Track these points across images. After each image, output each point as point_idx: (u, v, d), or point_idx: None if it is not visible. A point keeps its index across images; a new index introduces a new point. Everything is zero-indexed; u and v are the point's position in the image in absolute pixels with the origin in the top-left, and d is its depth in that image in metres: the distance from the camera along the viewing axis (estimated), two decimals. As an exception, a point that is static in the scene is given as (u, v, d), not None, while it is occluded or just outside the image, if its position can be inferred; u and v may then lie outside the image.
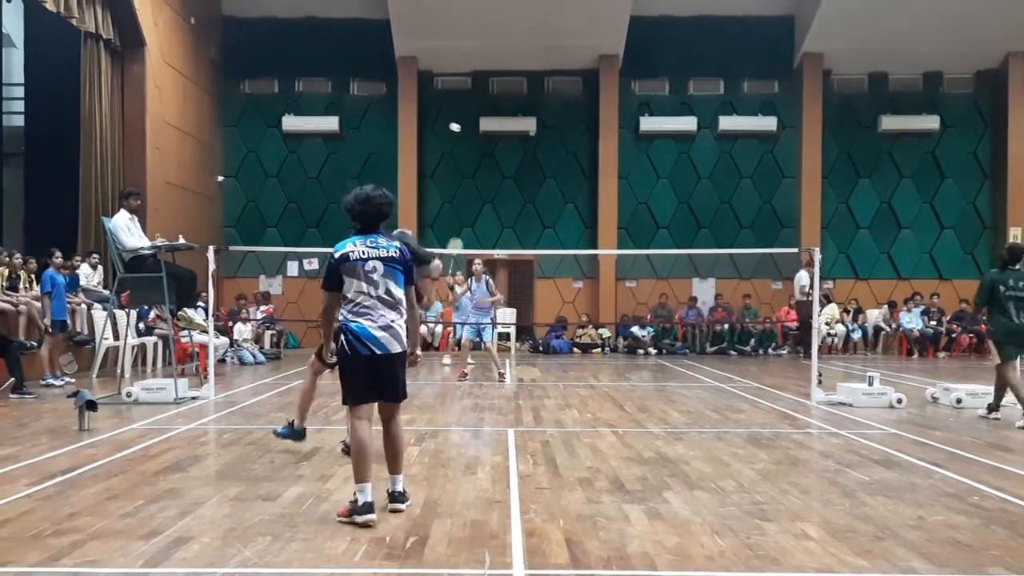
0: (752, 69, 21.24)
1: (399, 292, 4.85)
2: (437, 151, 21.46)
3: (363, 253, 4.79)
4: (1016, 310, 8.81)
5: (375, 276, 4.78)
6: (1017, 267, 8.99)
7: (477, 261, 13.37)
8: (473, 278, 13.07)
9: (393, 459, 5.03)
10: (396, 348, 4.81)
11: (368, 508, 4.61)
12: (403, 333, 4.86)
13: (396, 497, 4.96)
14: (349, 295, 4.79)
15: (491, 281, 13.15)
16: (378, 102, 21.41)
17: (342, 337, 4.79)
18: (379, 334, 4.75)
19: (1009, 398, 8.84)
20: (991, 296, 8.92)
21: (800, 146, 20.95)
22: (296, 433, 6.76)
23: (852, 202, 21.36)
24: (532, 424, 8.41)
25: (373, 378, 4.82)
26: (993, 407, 9.05)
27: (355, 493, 4.69)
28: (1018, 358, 9.22)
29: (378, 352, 4.75)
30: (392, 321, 4.80)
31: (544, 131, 21.26)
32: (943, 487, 5.66)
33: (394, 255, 4.84)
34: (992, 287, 8.92)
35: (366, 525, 4.56)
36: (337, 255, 4.79)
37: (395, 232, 6.14)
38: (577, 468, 6.23)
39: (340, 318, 4.84)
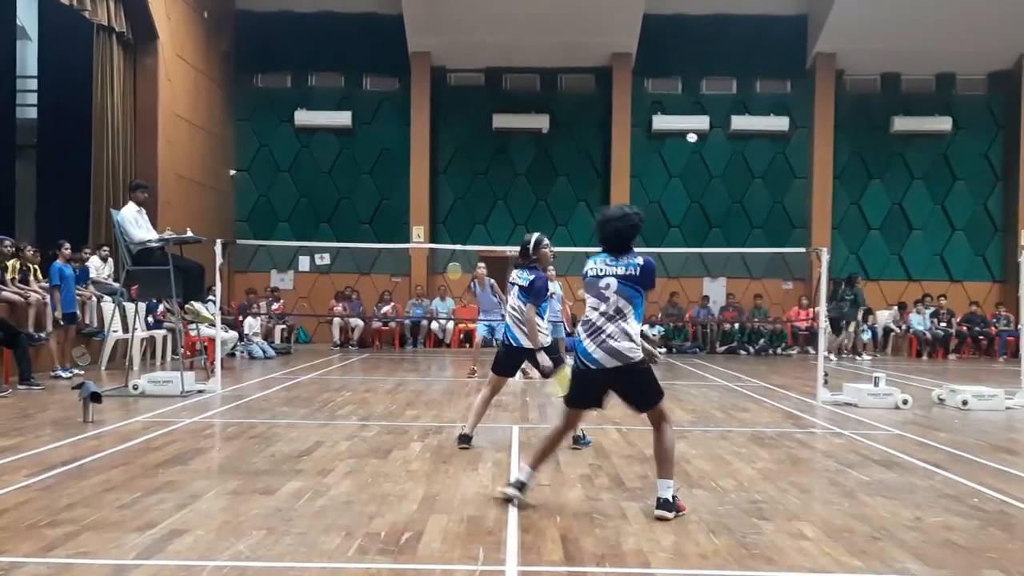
0: (765, 68, 21.17)
1: (629, 309, 4.88)
2: (450, 147, 21.47)
3: (600, 271, 4.94)
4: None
5: (607, 292, 4.88)
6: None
7: (480, 265, 13.49)
8: (476, 282, 13.24)
9: (657, 463, 4.94)
10: (615, 362, 4.86)
11: (516, 484, 5.01)
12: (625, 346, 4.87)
13: (659, 504, 4.80)
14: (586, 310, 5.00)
15: (495, 285, 13.29)
16: (391, 97, 21.43)
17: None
18: (598, 353, 4.86)
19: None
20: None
21: (812, 146, 20.86)
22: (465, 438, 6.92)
23: (863, 203, 21.27)
24: (537, 421, 8.41)
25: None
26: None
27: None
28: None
29: (593, 368, 4.89)
30: (615, 339, 4.85)
31: (557, 128, 21.26)
32: (943, 488, 5.62)
33: (632, 273, 4.87)
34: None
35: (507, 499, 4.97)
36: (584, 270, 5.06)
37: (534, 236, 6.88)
38: (579, 465, 6.22)
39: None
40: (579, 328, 4.98)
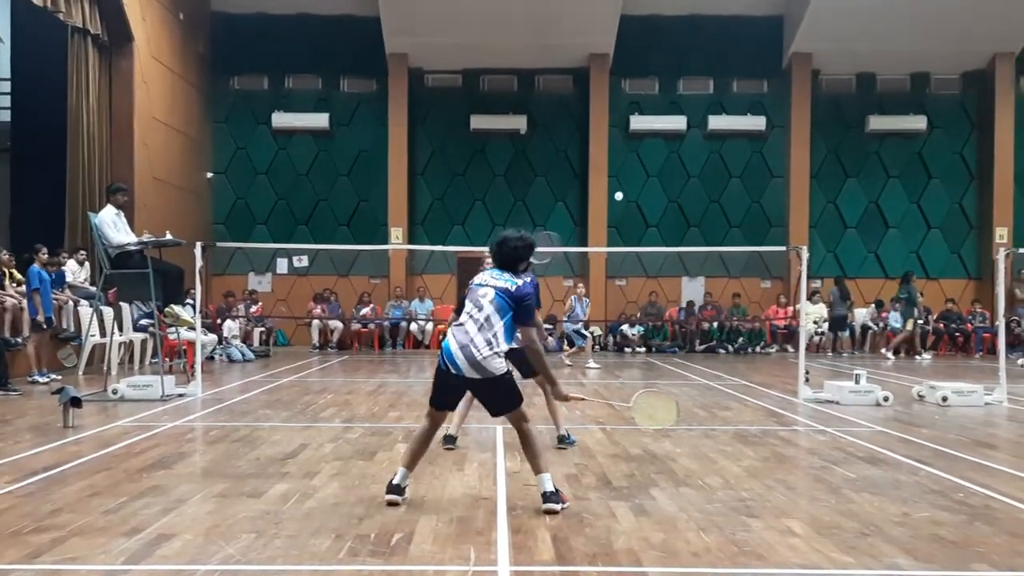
0: (741, 69, 21.30)
1: (498, 321, 4.97)
2: (428, 148, 21.43)
3: (484, 280, 5.13)
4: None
5: (483, 301, 5.02)
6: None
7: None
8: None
9: (529, 461, 5.10)
10: (475, 374, 4.95)
11: (392, 489, 4.99)
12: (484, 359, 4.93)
13: (545, 498, 4.90)
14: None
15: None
16: (368, 99, 21.35)
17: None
18: (460, 359, 4.94)
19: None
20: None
21: (789, 146, 21.02)
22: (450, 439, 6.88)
23: (840, 202, 21.46)
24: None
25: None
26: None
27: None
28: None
29: (454, 373, 4.98)
30: (480, 350, 4.92)
31: (534, 129, 21.27)
32: (928, 484, 5.68)
33: (507, 287, 5.01)
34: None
35: (390, 504, 4.91)
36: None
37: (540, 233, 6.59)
38: (565, 465, 6.22)
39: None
40: (450, 329, 5.11)
